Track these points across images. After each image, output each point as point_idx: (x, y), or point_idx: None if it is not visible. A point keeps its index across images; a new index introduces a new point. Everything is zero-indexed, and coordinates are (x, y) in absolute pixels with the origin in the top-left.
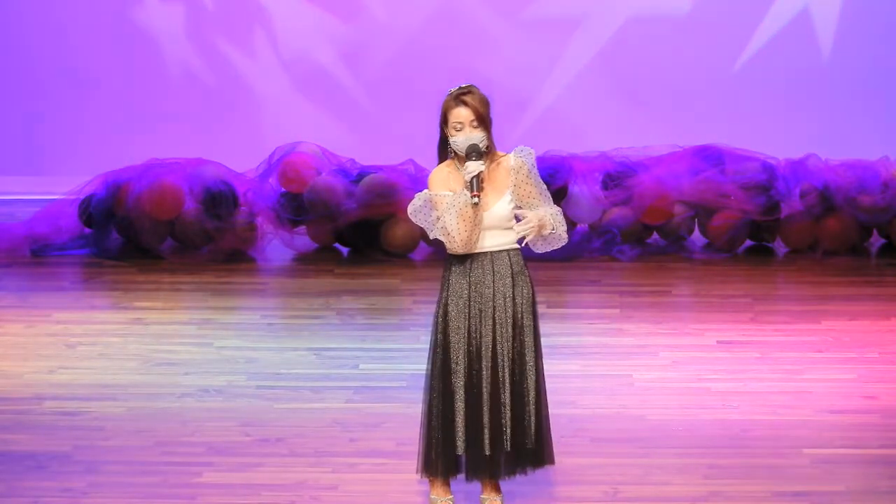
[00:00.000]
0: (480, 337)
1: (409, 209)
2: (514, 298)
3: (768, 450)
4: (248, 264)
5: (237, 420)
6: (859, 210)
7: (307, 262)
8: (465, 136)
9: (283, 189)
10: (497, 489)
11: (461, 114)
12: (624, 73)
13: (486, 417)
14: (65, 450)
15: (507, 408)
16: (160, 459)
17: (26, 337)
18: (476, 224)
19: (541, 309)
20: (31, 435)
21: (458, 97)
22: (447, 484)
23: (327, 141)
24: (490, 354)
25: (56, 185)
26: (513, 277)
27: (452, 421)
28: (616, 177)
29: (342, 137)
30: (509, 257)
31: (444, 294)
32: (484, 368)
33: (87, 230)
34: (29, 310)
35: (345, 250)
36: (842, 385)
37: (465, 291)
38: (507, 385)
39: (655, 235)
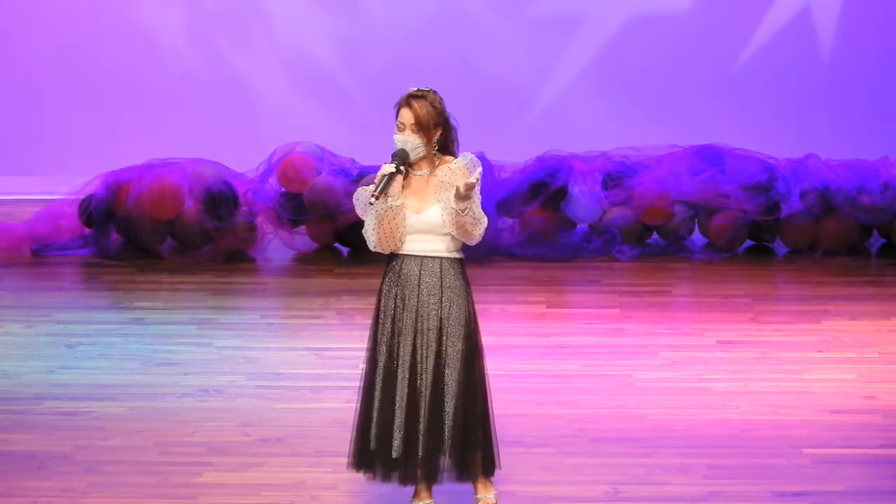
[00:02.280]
0: (401, 340)
1: (354, 199)
2: (441, 306)
3: (768, 450)
4: (248, 264)
5: (237, 420)
6: (859, 210)
7: (307, 262)
8: (404, 137)
9: (283, 189)
10: (488, 486)
11: (404, 114)
12: (624, 73)
13: (399, 421)
14: (65, 450)
15: (424, 415)
16: (160, 459)
17: (26, 337)
18: (394, 227)
19: (541, 309)
20: (31, 435)
21: (408, 98)
22: (426, 488)
23: (327, 141)
24: (409, 360)
25: (56, 185)
26: (441, 286)
27: (371, 422)
28: (616, 177)
29: (342, 137)
30: (440, 265)
31: (378, 292)
32: (401, 371)
33: (87, 230)
34: (29, 310)
35: (345, 250)
36: (842, 385)
37: (392, 292)
38: (427, 393)
39: (655, 235)
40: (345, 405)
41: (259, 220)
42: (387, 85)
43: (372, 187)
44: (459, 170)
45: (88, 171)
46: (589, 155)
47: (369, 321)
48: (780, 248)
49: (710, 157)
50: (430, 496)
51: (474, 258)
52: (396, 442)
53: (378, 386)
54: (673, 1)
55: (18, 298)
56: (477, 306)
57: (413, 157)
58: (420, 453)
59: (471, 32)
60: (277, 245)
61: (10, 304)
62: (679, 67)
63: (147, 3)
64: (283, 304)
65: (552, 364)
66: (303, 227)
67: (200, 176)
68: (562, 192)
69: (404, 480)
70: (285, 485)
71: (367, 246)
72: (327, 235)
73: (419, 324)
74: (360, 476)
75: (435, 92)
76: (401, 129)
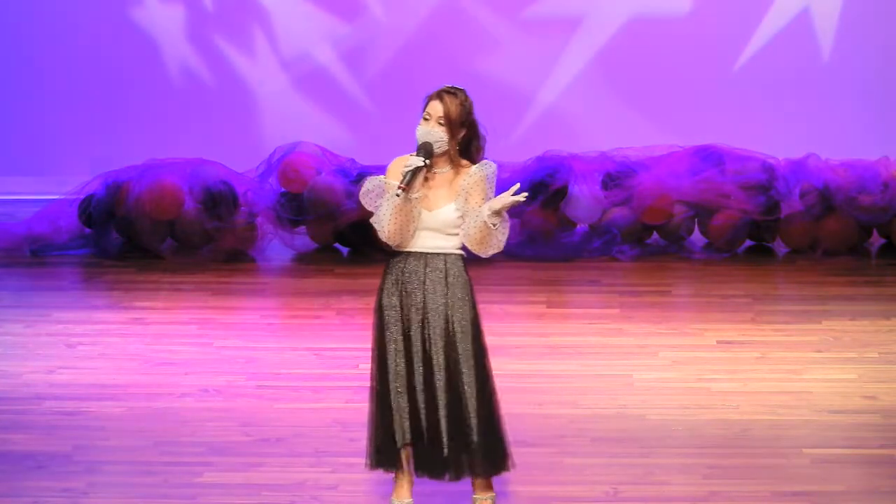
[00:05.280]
0: (411, 337)
1: (361, 190)
2: (446, 303)
3: (768, 450)
4: (248, 264)
5: (237, 420)
6: (859, 210)
7: (307, 262)
8: (428, 129)
9: (283, 189)
10: (487, 488)
11: (434, 107)
12: (624, 73)
13: (424, 417)
14: (65, 450)
15: (443, 411)
16: (160, 459)
17: (26, 337)
18: (409, 220)
19: (541, 309)
20: (31, 435)
21: (440, 92)
22: (407, 486)
23: (327, 141)
24: (422, 357)
25: (56, 185)
26: (446, 283)
27: (391, 417)
28: (616, 177)
29: (342, 137)
30: (445, 262)
31: (379, 289)
32: (416, 369)
33: (87, 230)
34: (29, 310)
35: (345, 250)
36: (842, 385)
37: (397, 289)
38: (443, 389)
39: (655, 235)
40: (345, 405)
41: (259, 220)
42: (387, 85)
43: (382, 178)
44: (478, 183)
45: (88, 171)
46: (589, 155)
47: (369, 321)
48: (780, 248)
49: (710, 157)
50: (411, 494)
51: (474, 258)
52: (426, 438)
53: (395, 382)
54: (673, 1)
55: (18, 298)
56: (477, 306)
57: (436, 150)
58: (445, 451)
59: (471, 33)
60: (277, 245)
61: (10, 304)
62: (679, 68)
63: (147, 3)
64: (283, 304)
65: (552, 364)
66: (303, 227)
67: (200, 176)
68: (562, 192)
69: (428, 472)
70: (285, 485)
71: (366, 245)
72: (327, 235)
73: (427, 320)
74: (360, 476)
75: (467, 94)
76: (426, 120)
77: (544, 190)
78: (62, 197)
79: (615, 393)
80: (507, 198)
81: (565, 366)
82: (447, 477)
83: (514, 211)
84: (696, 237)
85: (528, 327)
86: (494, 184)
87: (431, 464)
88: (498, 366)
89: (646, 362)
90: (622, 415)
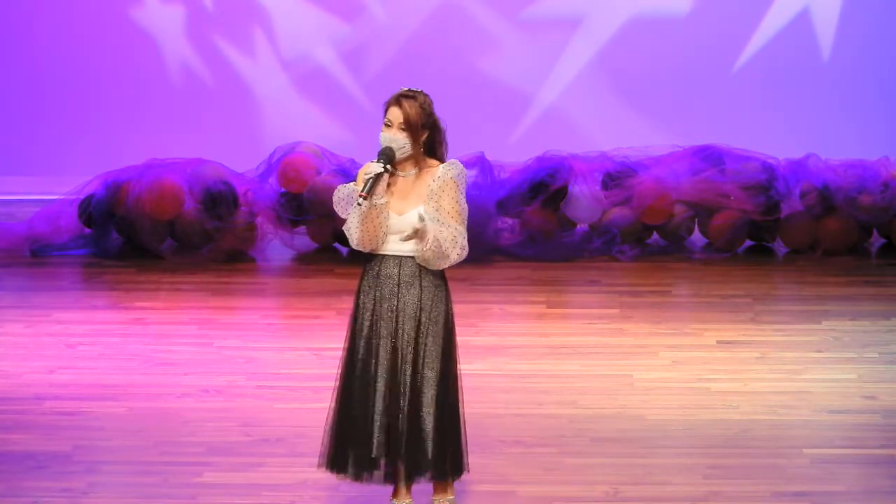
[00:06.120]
0: (380, 339)
1: (334, 198)
2: (420, 306)
3: (768, 450)
4: (248, 264)
5: (237, 420)
6: (859, 210)
7: (307, 262)
8: (391, 135)
9: (283, 189)
10: (444, 489)
11: (394, 112)
12: (624, 73)
13: (380, 420)
14: (65, 450)
15: (404, 415)
16: (160, 459)
17: (26, 337)
18: (377, 226)
19: (541, 309)
20: (31, 435)
21: (399, 97)
22: (406, 486)
23: (327, 141)
24: (389, 359)
25: (56, 185)
26: (420, 286)
27: (348, 418)
28: (616, 177)
29: (342, 137)
30: (419, 265)
31: (357, 291)
32: (381, 370)
33: (87, 230)
34: (29, 310)
35: (345, 250)
36: (842, 385)
37: (371, 291)
38: (407, 392)
39: (655, 235)
40: None
41: (259, 220)
42: (387, 85)
43: (353, 185)
44: (445, 187)
45: (88, 171)
46: (589, 155)
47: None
48: (780, 248)
49: (710, 157)
50: (410, 495)
51: (474, 258)
52: (376, 441)
53: (357, 386)
54: (673, 1)
55: (18, 298)
56: (477, 306)
57: (399, 156)
58: (402, 452)
59: (471, 33)
60: (277, 245)
61: (10, 304)
62: (679, 67)
63: (147, 4)
64: (283, 304)
65: (552, 364)
66: (303, 227)
67: (200, 176)
68: (562, 192)
69: (383, 479)
70: (285, 485)
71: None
72: (327, 235)
73: (398, 323)
74: None
75: (426, 94)
76: (388, 127)
77: (544, 190)
78: (62, 197)
79: (615, 393)
80: (416, 226)
81: (565, 366)
82: (406, 477)
83: (514, 211)
84: (696, 237)
85: (528, 327)
86: (465, 183)
87: (386, 467)
88: (498, 366)
89: (646, 362)
90: (622, 415)
